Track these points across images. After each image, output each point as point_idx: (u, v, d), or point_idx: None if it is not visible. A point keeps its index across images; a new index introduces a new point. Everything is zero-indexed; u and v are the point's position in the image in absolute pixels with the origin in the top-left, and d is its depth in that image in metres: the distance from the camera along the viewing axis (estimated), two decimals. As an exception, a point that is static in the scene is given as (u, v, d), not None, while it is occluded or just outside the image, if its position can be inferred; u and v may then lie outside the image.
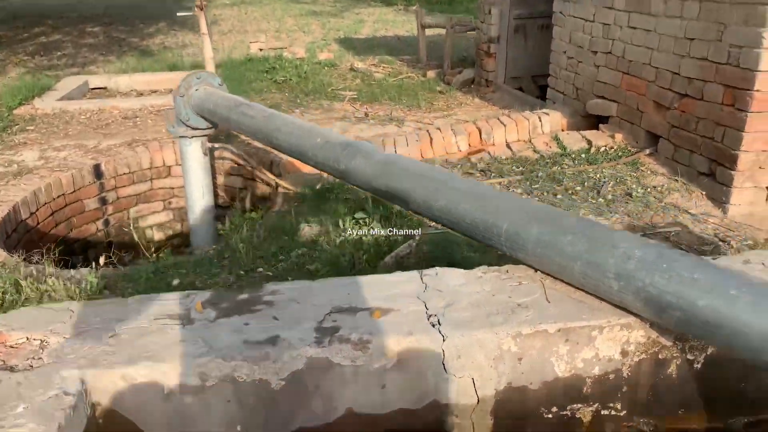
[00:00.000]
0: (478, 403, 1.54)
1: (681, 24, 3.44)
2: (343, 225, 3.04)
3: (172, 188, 4.84)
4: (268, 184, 4.34)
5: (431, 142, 4.52)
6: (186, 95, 3.43)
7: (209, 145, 3.80)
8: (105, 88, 6.91)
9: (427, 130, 4.67)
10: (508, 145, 4.29)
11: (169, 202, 4.88)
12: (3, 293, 2.64)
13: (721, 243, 3.08)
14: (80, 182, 4.33)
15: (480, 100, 5.83)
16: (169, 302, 1.62)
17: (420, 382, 1.50)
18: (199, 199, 3.78)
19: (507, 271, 1.76)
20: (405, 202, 2.12)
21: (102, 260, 3.04)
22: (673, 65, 3.53)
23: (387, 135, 4.83)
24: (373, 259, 2.87)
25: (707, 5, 3.24)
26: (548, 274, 1.70)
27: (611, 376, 1.58)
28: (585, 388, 1.58)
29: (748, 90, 3.03)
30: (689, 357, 1.58)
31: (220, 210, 4.08)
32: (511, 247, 1.75)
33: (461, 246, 2.83)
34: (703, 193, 3.44)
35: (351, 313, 1.55)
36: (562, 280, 1.66)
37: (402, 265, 2.80)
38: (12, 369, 1.38)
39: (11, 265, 3.02)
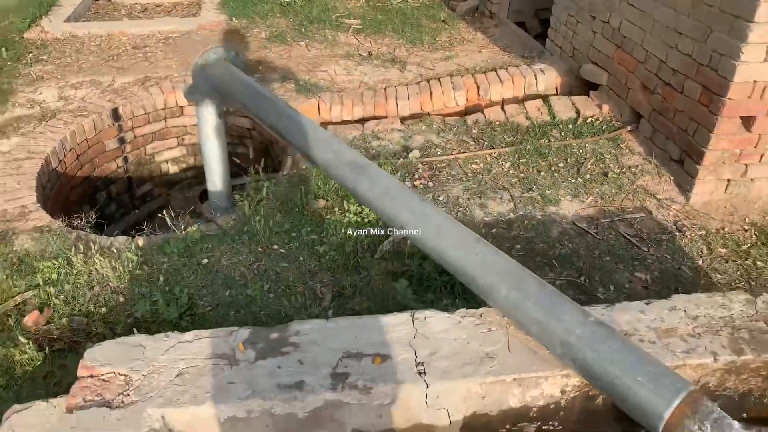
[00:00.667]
0: (450, 424, 2.08)
1: (674, 16, 3.59)
2: (349, 206, 3.44)
3: (185, 126, 5.12)
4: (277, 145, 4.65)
5: (431, 96, 4.76)
6: (204, 69, 3.64)
7: (224, 108, 4.05)
8: (109, 0, 6.84)
9: (428, 82, 4.88)
10: (503, 107, 4.55)
11: (182, 139, 5.18)
12: (59, 268, 3.12)
13: (677, 233, 3.53)
14: (101, 126, 4.62)
15: (482, 36, 5.90)
16: (218, 339, 2.10)
17: (408, 412, 2.03)
18: (215, 160, 4.11)
19: (481, 315, 2.23)
20: (402, 228, 2.53)
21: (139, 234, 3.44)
22: (662, 53, 3.73)
23: (389, 83, 5.03)
24: (374, 242, 3.31)
25: (699, 5, 3.38)
26: (513, 323, 2.17)
27: (552, 406, 2.12)
28: (531, 414, 2.12)
29: (722, 96, 3.29)
30: (610, 395, 2.10)
31: (234, 171, 4.40)
32: (486, 298, 2.20)
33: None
34: (672, 178, 3.81)
35: (357, 359, 2.04)
36: (525, 331, 2.14)
37: (399, 250, 3.25)
38: (109, 405, 1.88)
39: (57, 232, 3.45)
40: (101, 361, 2.02)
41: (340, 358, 2.04)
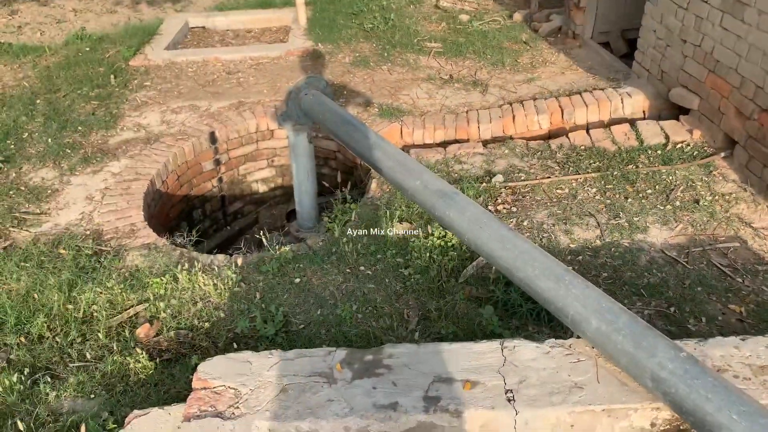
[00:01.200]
0: (538, 450, 2.13)
1: (772, 40, 3.49)
2: (433, 230, 3.54)
3: (275, 148, 5.42)
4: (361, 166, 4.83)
5: (513, 119, 4.81)
6: (296, 98, 3.87)
7: (313, 133, 4.27)
8: (203, 27, 7.34)
9: (511, 105, 4.93)
10: (587, 131, 4.53)
11: (272, 161, 5.48)
12: (166, 284, 3.39)
13: (775, 264, 3.39)
14: (199, 149, 4.97)
15: (565, 57, 5.88)
16: (317, 358, 2.25)
17: (496, 436, 2.09)
18: (304, 182, 4.34)
19: (570, 346, 2.27)
20: (491, 259, 2.60)
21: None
22: (759, 78, 3.62)
23: (471, 106, 5.12)
24: (458, 266, 3.39)
25: (801, 29, 3.28)
26: (602, 355, 2.19)
27: (641, 439, 2.12)
28: (620, 445, 2.13)
29: (825, 124, 3.17)
30: None
31: (319, 191, 4.62)
32: (575, 329, 2.24)
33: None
34: (769, 206, 3.67)
35: (448, 384, 2.13)
36: (613, 363, 2.16)
37: (482, 275, 3.32)
38: (221, 416, 2.06)
39: (162, 249, 3.75)
40: (213, 374, 2.21)
41: (431, 381, 2.14)
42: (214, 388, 2.17)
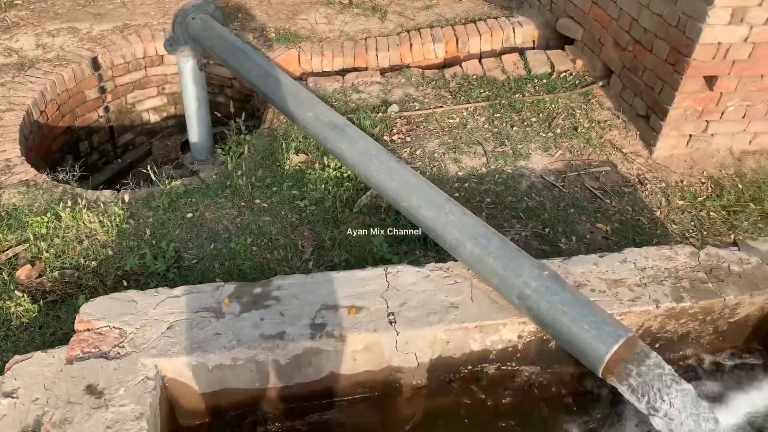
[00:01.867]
0: (418, 366, 2.31)
1: (647, -27, 3.65)
2: (328, 161, 3.57)
3: (165, 75, 5.13)
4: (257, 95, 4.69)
5: (411, 48, 4.80)
6: (183, 23, 3.66)
7: (204, 60, 4.08)
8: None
9: (408, 33, 4.91)
10: (480, 60, 4.62)
11: (163, 88, 5.20)
12: (48, 223, 3.24)
13: (639, 185, 3.72)
14: (81, 76, 4.62)
15: (462, -18, 5.87)
16: (205, 294, 2.27)
17: (379, 356, 2.24)
18: (196, 112, 4.18)
19: (448, 269, 2.42)
20: (379, 190, 2.68)
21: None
22: (635, 12, 3.81)
23: (370, 33, 5.05)
24: (353, 196, 3.46)
25: (671, -36, 3.45)
26: (476, 276, 2.37)
27: (510, 349, 2.35)
28: (491, 356, 2.35)
29: (687, 57, 3.41)
30: (563, 340, 2.33)
31: (214, 120, 4.47)
32: (453, 253, 2.39)
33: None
34: (637, 133, 3.97)
35: (334, 311, 2.23)
36: (486, 283, 2.34)
37: (375, 205, 3.41)
38: (106, 356, 2.06)
39: (43, 186, 3.54)
40: (96, 315, 2.18)
41: (318, 309, 2.23)
42: (98, 329, 2.15)
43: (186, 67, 3.98)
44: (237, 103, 5.17)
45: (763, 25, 3.28)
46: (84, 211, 3.28)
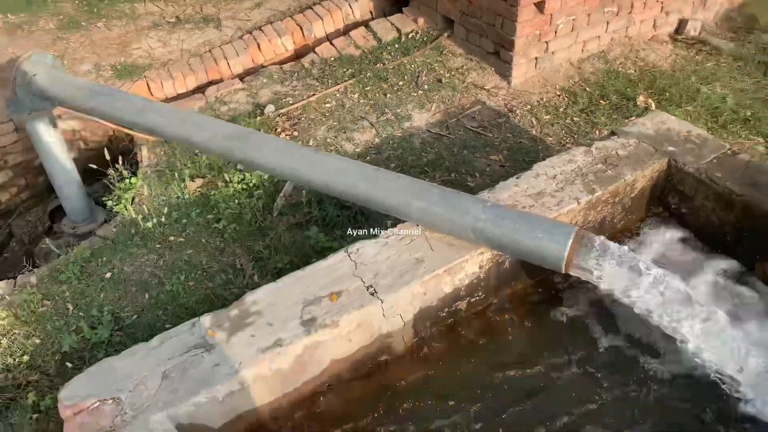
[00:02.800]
0: (404, 325, 2.45)
1: (458, -75, 3.99)
2: (231, 178, 3.53)
3: (4, 147, 4.65)
4: (115, 141, 4.43)
5: (259, 47, 4.80)
6: (24, 83, 3.37)
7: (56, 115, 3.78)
8: None
9: (251, 34, 4.89)
10: (330, 42, 4.75)
11: (5, 161, 4.71)
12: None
13: (510, 113, 4.12)
14: None
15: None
16: (184, 335, 2.22)
17: (371, 329, 2.35)
18: (63, 173, 3.87)
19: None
20: (305, 183, 2.74)
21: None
22: (457, -39, 4.16)
23: (212, 44, 4.95)
24: (267, 202, 3.47)
25: None
26: (428, 228, 2.54)
27: (475, 281, 2.56)
28: (461, 293, 2.56)
29: (516, -11, 3.83)
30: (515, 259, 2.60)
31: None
32: (399, 215, 2.54)
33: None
34: (493, 69, 4.36)
35: (317, 303, 2.29)
36: (438, 231, 2.52)
37: (293, 203, 3.45)
38: (113, 429, 1.96)
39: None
40: (81, 395, 2.05)
41: (301, 308, 2.28)
42: (90, 408, 2.02)
43: (39, 128, 3.67)
44: (91, 153, 4.84)
45: (567, -52, 3.77)
46: (-11, 308, 2.97)
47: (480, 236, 2.37)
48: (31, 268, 3.34)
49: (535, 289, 2.78)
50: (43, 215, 4.85)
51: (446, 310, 2.57)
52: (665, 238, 2.88)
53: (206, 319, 2.28)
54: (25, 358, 2.79)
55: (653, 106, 3.94)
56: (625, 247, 2.22)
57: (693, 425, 2.28)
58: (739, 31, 4.75)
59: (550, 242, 2.24)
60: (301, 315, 2.26)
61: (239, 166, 3.57)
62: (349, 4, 4.96)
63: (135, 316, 2.96)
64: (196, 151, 3.79)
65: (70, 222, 4.23)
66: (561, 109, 4.12)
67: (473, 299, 2.64)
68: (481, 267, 2.54)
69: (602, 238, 2.25)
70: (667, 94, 4.05)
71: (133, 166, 4.21)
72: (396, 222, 2.65)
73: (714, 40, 4.56)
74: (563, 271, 2.28)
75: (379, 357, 2.47)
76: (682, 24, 4.68)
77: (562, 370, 2.48)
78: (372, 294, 2.31)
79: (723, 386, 2.22)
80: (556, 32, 4.17)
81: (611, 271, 2.20)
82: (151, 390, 2.06)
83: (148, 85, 4.58)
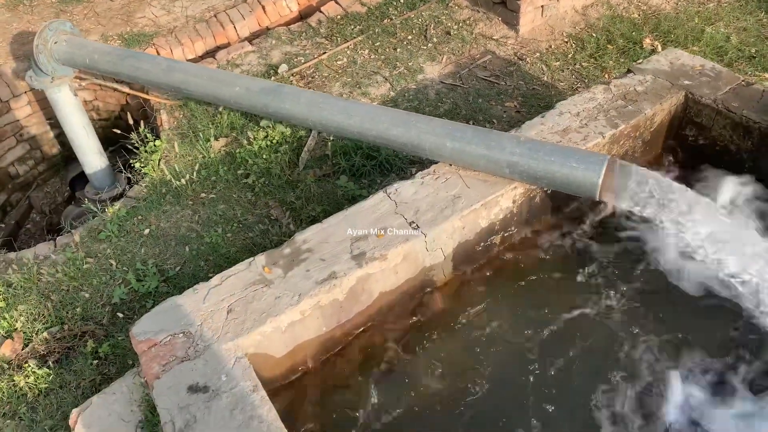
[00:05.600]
0: (444, 259, 2.59)
1: None
2: (255, 135, 3.61)
3: (18, 120, 4.68)
4: (129, 108, 4.46)
5: (264, 10, 4.83)
6: (46, 50, 3.40)
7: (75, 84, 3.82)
8: None
9: (255, -3, 4.91)
10: (336, 1, 4.78)
11: (21, 135, 4.74)
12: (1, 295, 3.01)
13: (520, 62, 4.21)
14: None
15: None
16: (242, 272, 2.34)
17: (415, 262, 2.48)
18: (85, 141, 3.94)
19: (434, 171, 2.68)
20: (340, 130, 2.84)
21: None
22: None
23: (216, 9, 4.97)
24: (292, 157, 3.56)
25: None
26: (461, 167, 2.66)
27: (508, 215, 2.70)
28: (496, 227, 2.69)
29: (523, -63, 3.88)
30: (546, 191, 2.73)
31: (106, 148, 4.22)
32: (433, 156, 2.66)
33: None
34: (500, 19, 4.43)
35: (365, 239, 2.41)
36: (471, 169, 2.64)
37: (318, 156, 3.55)
38: (188, 358, 2.09)
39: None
40: (153, 330, 2.17)
41: (350, 243, 2.40)
42: (162, 341, 2.15)
43: (60, 96, 3.72)
44: (104, 122, 4.88)
45: None
46: (34, 268, 3.07)
47: (515, 170, 2.49)
48: (53, 237, 3.42)
49: (563, 221, 2.92)
50: (61, 186, 4.92)
51: (482, 243, 2.70)
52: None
53: (261, 258, 2.40)
54: (78, 310, 2.90)
55: (659, 48, 4.05)
56: (657, 173, 2.36)
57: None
58: (739, -28, 4.84)
59: (586, 170, 2.37)
60: (351, 250, 2.38)
61: (262, 123, 3.64)
62: (351, -39, 4.97)
63: (178, 268, 3.07)
64: (217, 111, 3.85)
65: (93, 189, 4.30)
66: (569, 56, 4.22)
67: (506, 233, 2.77)
68: (514, 202, 2.67)
69: (633, 165, 2.38)
70: (672, 35, 4.15)
71: (153, 131, 4.27)
72: (420, 169, 2.77)
73: (714, -18, 4.65)
74: (597, 198, 2.41)
75: (423, 290, 2.61)
76: (682, -32, 4.75)
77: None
78: (415, 229, 2.44)
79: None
80: (561, -20, 4.24)
81: (645, 196, 2.33)
82: (219, 323, 2.18)
83: (157, 52, 4.60)
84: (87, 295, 2.98)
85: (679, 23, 4.26)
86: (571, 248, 2.87)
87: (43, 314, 2.90)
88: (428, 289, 2.63)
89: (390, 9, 4.64)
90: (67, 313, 2.90)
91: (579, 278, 2.72)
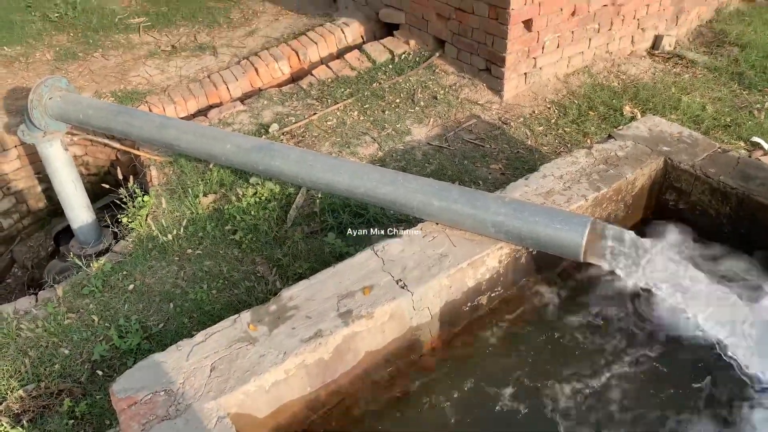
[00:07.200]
0: (431, 318, 2.58)
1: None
2: (243, 192, 3.64)
3: (6, 174, 4.69)
4: (118, 164, 4.51)
5: (257, 72, 4.97)
6: (40, 106, 3.46)
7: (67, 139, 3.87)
8: None
9: (248, 60, 5.06)
10: (327, 65, 4.94)
11: (8, 188, 4.74)
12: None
13: (504, 126, 4.34)
14: None
15: (272, 4, 6.14)
16: (227, 329, 2.31)
17: (402, 320, 2.48)
18: (74, 195, 3.95)
19: (421, 229, 2.72)
20: (329, 188, 2.88)
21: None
22: (448, -15, 4.42)
23: (209, 70, 5.11)
24: (280, 214, 3.59)
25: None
26: (447, 226, 2.70)
27: (494, 275, 2.72)
28: (483, 287, 2.71)
29: (506, 8, 4.08)
30: (532, 251, 2.77)
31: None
32: (421, 215, 2.70)
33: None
34: (485, 85, 4.60)
35: (351, 297, 2.41)
36: (458, 228, 2.68)
37: (306, 213, 3.58)
38: (168, 417, 2.04)
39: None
40: (134, 388, 2.12)
41: (337, 301, 2.40)
42: (143, 399, 2.10)
43: (51, 151, 3.76)
44: (93, 178, 4.90)
45: (553, -29, 4.06)
46: (14, 323, 3.01)
47: (500, 230, 2.53)
48: (34, 292, 3.37)
49: (546, 279, 2.95)
50: (45, 240, 4.88)
51: (469, 304, 2.71)
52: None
53: (246, 315, 2.38)
54: (56, 367, 2.83)
55: (639, 116, 4.21)
56: (637, 236, 2.41)
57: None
58: (711, 45, 5.11)
59: (569, 231, 2.42)
60: (338, 308, 2.37)
61: (252, 180, 3.69)
62: (341, 30, 5.18)
63: (162, 325, 3.03)
64: (207, 168, 3.90)
65: (78, 244, 4.28)
66: (552, 121, 4.36)
67: (493, 293, 2.79)
68: (500, 261, 2.70)
69: (614, 226, 2.43)
70: (651, 103, 4.32)
71: (142, 187, 4.29)
72: (407, 227, 2.81)
73: (689, 53, 4.90)
74: (581, 260, 2.45)
75: (409, 349, 2.59)
76: (657, 39, 5.01)
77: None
78: (402, 287, 2.45)
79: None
80: (543, 49, 4.44)
81: (627, 259, 2.38)
82: (201, 381, 2.14)
83: (150, 109, 4.69)
84: (66, 352, 2.91)
85: (657, 92, 4.44)
86: (559, 307, 2.88)
87: (19, 371, 2.82)
88: (414, 350, 2.61)
89: (379, 74, 4.80)
90: (45, 369, 2.83)
91: (568, 340, 2.72)
